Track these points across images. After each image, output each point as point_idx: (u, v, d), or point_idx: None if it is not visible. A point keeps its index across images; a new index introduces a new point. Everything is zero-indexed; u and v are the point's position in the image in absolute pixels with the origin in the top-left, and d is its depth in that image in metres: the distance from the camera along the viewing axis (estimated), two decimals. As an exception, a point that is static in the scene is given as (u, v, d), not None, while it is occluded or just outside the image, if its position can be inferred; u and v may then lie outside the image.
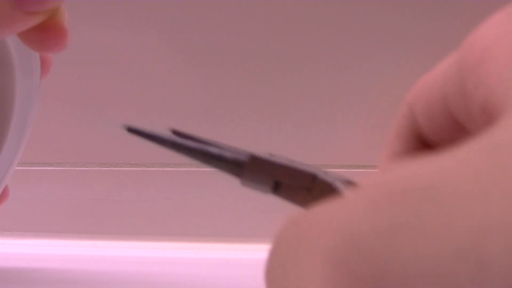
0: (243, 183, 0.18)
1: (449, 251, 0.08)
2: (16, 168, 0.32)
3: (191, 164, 0.46)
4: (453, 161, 0.09)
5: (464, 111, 0.14)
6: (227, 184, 0.46)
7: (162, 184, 0.46)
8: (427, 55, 0.42)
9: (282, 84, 0.43)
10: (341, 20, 0.41)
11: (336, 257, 0.09)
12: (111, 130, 0.45)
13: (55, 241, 0.48)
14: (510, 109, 0.11)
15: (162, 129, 0.19)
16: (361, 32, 0.41)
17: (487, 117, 0.12)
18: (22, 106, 0.28)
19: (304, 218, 0.11)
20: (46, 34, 0.22)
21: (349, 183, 0.17)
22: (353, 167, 0.45)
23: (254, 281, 0.46)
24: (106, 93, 0.44)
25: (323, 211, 0.11)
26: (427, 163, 0.10)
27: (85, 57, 0.43)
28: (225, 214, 0.47)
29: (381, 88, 0.43)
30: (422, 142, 0.18)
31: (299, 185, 0.17)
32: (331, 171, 0.17)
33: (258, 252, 0.47)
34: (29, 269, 0.44)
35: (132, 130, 0.18)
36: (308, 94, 0.43)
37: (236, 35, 0.41)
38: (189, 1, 0.41)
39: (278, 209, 0.46)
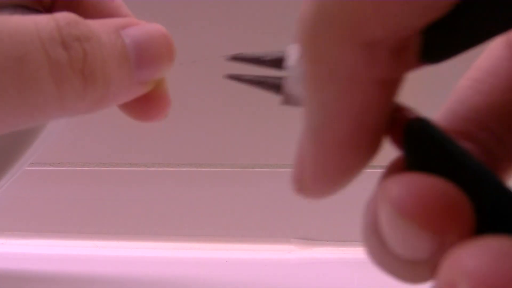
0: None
1: None
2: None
3: (191, 164, 0.46)
4: None
5: None
6: (228, 184, 0.46)
7: (162, 184, 0.46)
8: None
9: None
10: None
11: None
12: (111, 130, 0.45)
13: (55, 241, 0.48)
14: None
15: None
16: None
17: None
18: None
19: None
20: (151, 104, 0.21)
21: None
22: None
23: (254, 281, 0.46)
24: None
25: None
26: None
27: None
28: (225, 214, 0.47)
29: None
30: None
31: None
32: None
33: (258, 252, 0.47)
34: (29, 269, 0.44)
35: (234, 77, 0.18)
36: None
37: (236, 34, 0.41)
38: (189, 1, 0.41)
39: (278, 209, 0.46)
